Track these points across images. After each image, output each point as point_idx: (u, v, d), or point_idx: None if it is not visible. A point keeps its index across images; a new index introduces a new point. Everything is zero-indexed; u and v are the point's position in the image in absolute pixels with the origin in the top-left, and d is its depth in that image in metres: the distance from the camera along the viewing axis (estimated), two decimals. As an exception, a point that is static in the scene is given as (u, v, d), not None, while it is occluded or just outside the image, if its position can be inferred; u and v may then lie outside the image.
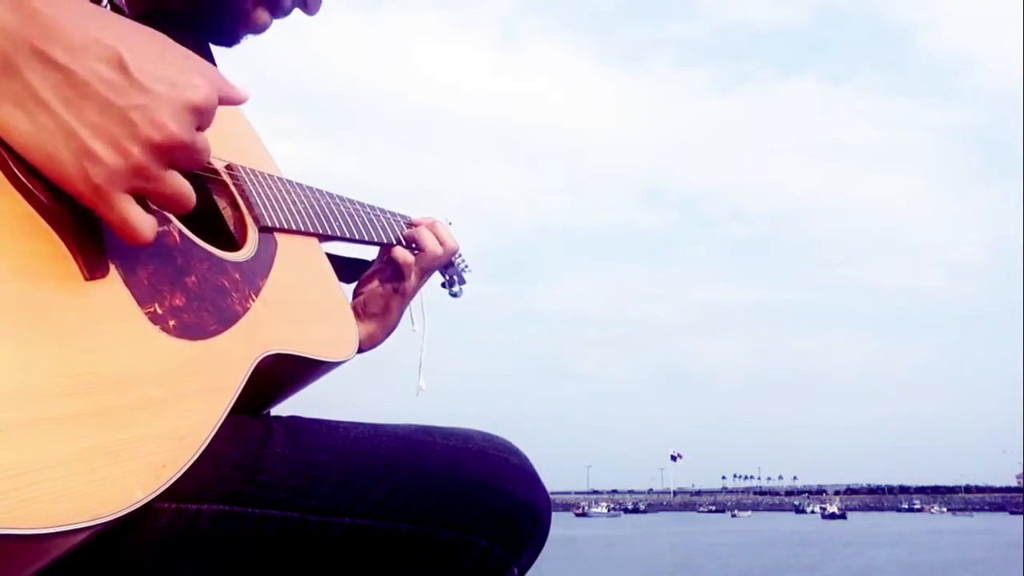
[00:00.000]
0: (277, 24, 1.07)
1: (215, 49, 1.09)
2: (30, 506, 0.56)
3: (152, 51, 0.69)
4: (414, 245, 1.30)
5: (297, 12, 1.08)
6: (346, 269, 1.30)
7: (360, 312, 1.26)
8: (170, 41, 0.71)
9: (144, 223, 0.68)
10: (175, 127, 0.67)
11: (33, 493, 0.57)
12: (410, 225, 1.32)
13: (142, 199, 0.69)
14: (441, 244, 1.31)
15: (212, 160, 0.99)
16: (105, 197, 0.66)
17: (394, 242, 1.29)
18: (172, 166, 0.69)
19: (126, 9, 0.87)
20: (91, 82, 0.64)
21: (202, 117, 0.70)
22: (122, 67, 0.66)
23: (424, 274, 1.30)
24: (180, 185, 0.70)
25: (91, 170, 0.64)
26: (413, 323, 1.34)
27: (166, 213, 0.79)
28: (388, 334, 1.28)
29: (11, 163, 0.65)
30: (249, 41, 1.08)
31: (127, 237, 0.68)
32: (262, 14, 1.05)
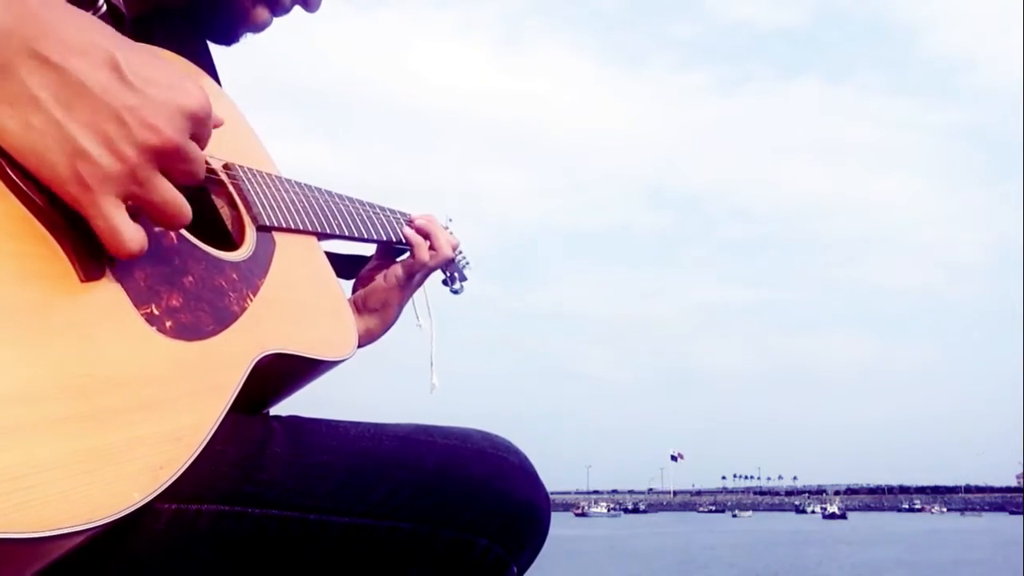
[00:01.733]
0: (277, 22, 1.07)
1: (213, 48, 1.09)
2: (26, 509, 0.56)
3: (145, 57, 0.69)
4: (410, 242, 1.30)
5: (298, 9, 1.07)
6: (345, 266, 1.30)
7: (360, 307, 1.26)
8: (161, 50, 0.71)
9: (132, 234, 0.67)
10: (169, 131, 0.67)
11: (29, 496, 0.56)
12: (409, 222, 1.32)
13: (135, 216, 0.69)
14: (446, 243, 1.30)
15: (209, 159, 0.98)
16: (96, 201, 0.65)
17: (393, 239, 1.29)
18: (166, 174, 0.68)
19: (123, 9, 0.87)
20: (85, 82, 0.64)
21: (196, 123, 0.70)
22: (116, 69, 0.65)
23: (428, 272, 1.30)
24: (175, 196, 0.69)
25: (84, 171, 0.64)
26: (418, 319, 1.33)
27: None
28: (386, 330, 1.28)
29: (6, 166, 0.65)
30: (248, 39, 1.07)
31: (113, 246, 0.67)
32: (262, 12, 1.04)
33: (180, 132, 0.68)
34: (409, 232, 1.29)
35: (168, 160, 0.68)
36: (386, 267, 1.29)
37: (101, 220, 0.65)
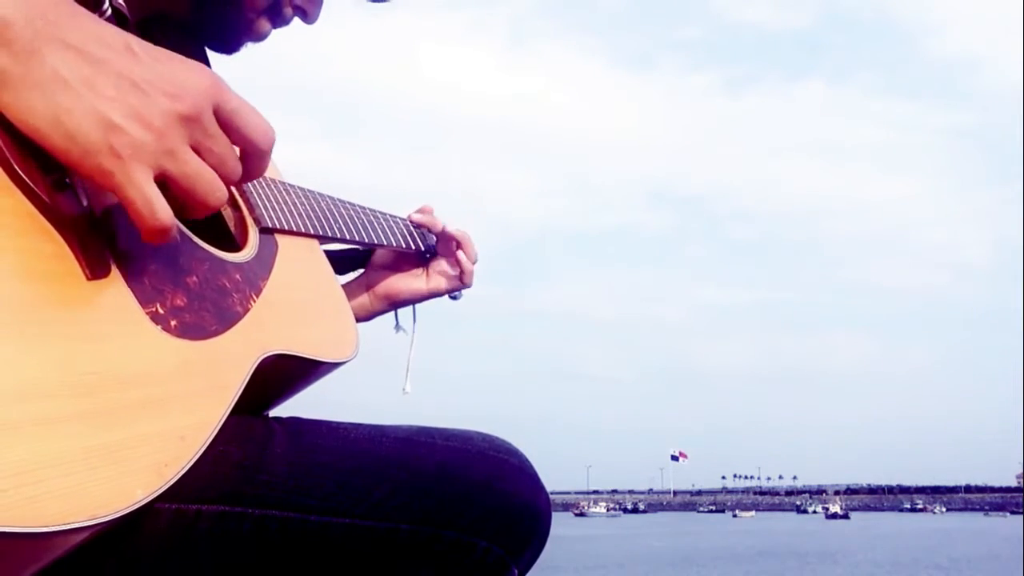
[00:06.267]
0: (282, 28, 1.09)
1: (212, 56, 1.10)
2: (31, 504, 0.56)
3: (156, 46, 0.71)
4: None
5: (296, 21, 1.10)
6: (341, 263, 1.33)
7: (368, 287, 1.36)
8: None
9: (164, 206, 0.67)
10: (191, 98, 0.69)
11: (34, 492, 0.57)
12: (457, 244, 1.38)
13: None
14: (472, 255, 1.38)
15: None
16: (128, 170, 0.65)
17: (393, 245, 1.32)
18: (195, 148, 0.69)
19: (127, 12, 0.88)
20: (106, 60, 0.66)
21: (212, 96, 0.71)
22: (131, 51, 0.68)
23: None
24: (207, 169, 0.70)
25: (115, 142, 0.64)
26: (399, 324, 1.38)
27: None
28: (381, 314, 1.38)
29: (14, 161, 0.65)
30: (248, 48, 1.09)
31: (144, 219, 0.66)
32: (264, 24, 1.07)
33: (199, 104, 0.69)
34: (462, 257, 1.37)
35: (194, 129, 0.69)
36: (409, 266, 1.37)
37: (133, 190, 0.65)
